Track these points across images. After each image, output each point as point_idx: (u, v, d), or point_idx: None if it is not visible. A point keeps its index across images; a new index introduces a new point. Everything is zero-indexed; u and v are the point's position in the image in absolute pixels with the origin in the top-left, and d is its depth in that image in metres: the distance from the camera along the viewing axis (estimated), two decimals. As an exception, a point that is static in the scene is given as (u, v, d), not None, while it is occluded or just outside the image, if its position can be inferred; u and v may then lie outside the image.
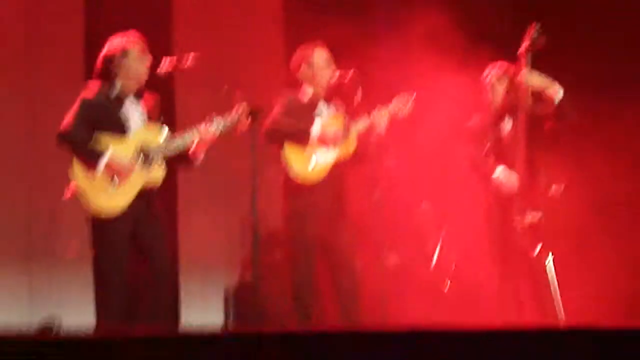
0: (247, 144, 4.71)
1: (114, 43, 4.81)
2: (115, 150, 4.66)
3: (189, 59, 4.79)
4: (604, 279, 6.33)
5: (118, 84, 4.79)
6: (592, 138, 6.38)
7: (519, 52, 5.32)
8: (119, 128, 4.72)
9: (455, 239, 6.97)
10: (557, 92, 5.22)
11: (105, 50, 4.81)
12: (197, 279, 6.98)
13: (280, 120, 5.01)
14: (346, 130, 5.25)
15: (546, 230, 5.23)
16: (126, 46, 4.79)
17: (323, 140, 5.19)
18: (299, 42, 5.48)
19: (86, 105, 4.72)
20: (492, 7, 6.99)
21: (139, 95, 4.83)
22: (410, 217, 7.14)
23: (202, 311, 6.94)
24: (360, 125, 5.26)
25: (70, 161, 4.69)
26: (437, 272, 6.94)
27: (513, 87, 5.42)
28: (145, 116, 4.82)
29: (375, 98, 5.37)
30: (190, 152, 4.82)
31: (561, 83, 5.27)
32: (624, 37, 6.75)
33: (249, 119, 4.72)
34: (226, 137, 4.85)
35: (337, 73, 5.30)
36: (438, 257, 6.97)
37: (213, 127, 4.78)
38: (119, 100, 4.77)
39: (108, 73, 4.78)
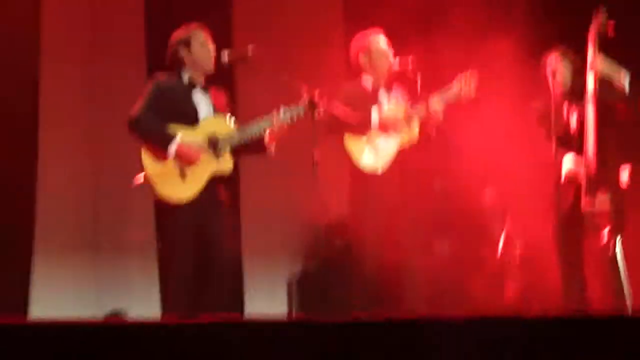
0: (309, 133, 4.69)
1: (179, 31, 4.89)
2: (184, 137, 4.69)
3: (250, 50, 4.80)
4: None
5: (187, 73, 4.84)
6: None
7: (588, 36, 5.22)
8: (189, 116, 4.76)
9: (522, 224, 6.88)
10: (625, 78, 5.12)
11: (172, 38, 4.88)
12: (261, 268, 7.00)
13: (340, 110, 4.99)
14: (407, 117, 5.21)
15: (615, 214, 5.11)
16: (191, 30, 4.86)
17: (384, 128, 5.17)
18: (358, 29, 5.44)
19: (157, 90, 4.78)
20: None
21: (207, 87, 4.87)
22: (475, 203, 7.08)
23: (266, 301, 6.97)
24: (421, 111, 5.21)
25: (138, 149, 4.73)
26: (503, 259, 6.87)
27: (578, 71, 5.33)
28: (213, 107, 4.86)
29: (437, 83, 5.32)
30: (262, 142, 4.84)
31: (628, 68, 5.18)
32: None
33: (313, 109, 4.71)
34: (287, 126, 4.84)
35: (397, 60, 5.25)
36: (504, 243, 6.90)
37: (280, 118, 4.77)
38: (189, 89, 4.82)
39: (176, 61, 4.84)
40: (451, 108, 5.27)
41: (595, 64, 5.16)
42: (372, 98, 5.28)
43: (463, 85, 5.26)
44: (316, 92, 4.73)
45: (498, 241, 6.94)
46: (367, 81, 5.32)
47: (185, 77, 4.84)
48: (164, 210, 4.74)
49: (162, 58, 4.97)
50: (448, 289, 6.49)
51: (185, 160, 4.68)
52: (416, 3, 6.54)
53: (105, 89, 6.61)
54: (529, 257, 6.75)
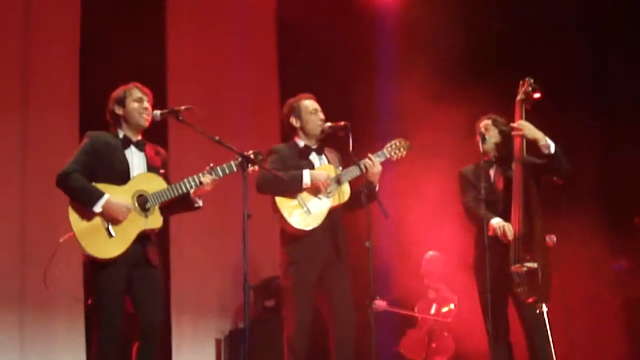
0: (239, 193, 4.68)
1: (116, 91, 4.93)
2: (112, 195, 4.67)
3: (182, 109, 4.81)
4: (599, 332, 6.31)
5: (122, 131, 4.87)
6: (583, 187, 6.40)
7: (515, 104, 5.37)
8: (120, 172, 4.77)
9: (452, 286, 6.94)
10: (549, 145, 5.25)
11: (110, 98, 4.91)
12: (189, 327, 6.94)
13: (271, 171, 5.00)
14: (338, 178, 5.25)
15: (542, 280, 5.17)
16: (126, 89, 4.90)
17: (315, 190, 5.19)
18: (292, 94, 5.49)
19: (91, 145, 4.78)
20: (485, 57, 7.05)
21: (142, 144, 4.89)
22: (407, 263, 7.13)
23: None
24: (352, 173, 5.25)
25: (66, 205, 4.68)
26: (436, 319, 6.91)
27: (505, 137, 5.45)
28: (147, 164, 4.88)
29: (368, 147, 5.37)
30: (191, 199, 4.86)
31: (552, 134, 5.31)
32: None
33: (243, 168, 4.73)
34: (218, 185, 4.84)
35: (328, 123, 5.30)
36: (437, 304, 6.94)
37: (209, 176, 4.80)
38: (123, 146, 4.84)
39: (114, 120, 4.88)
40: (384, 169, 5.30)
41: (521, 127, 5.29)
42: (304, 160, 5.30)
43: (394, 150, 5.32)
44: (249, 151, 4.76)
45: (431, 301, 6.99)
46: (299, 143, 5.36)
47: (121, 134, 4.86)
48: (93, 265, 4.67)
49: (95, 115, 4.94)
50: (381, 348, 6.49)
51: (111, 220, 4.66)
52: (348, 71, 6.64)
53: (38, 144, 6.56)
54: (459, 318, 6.81)
